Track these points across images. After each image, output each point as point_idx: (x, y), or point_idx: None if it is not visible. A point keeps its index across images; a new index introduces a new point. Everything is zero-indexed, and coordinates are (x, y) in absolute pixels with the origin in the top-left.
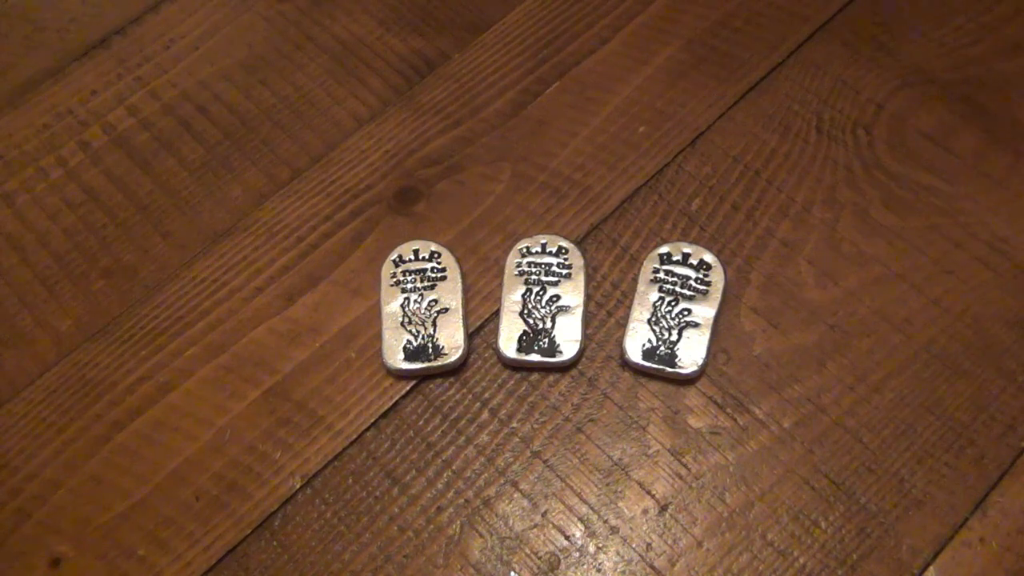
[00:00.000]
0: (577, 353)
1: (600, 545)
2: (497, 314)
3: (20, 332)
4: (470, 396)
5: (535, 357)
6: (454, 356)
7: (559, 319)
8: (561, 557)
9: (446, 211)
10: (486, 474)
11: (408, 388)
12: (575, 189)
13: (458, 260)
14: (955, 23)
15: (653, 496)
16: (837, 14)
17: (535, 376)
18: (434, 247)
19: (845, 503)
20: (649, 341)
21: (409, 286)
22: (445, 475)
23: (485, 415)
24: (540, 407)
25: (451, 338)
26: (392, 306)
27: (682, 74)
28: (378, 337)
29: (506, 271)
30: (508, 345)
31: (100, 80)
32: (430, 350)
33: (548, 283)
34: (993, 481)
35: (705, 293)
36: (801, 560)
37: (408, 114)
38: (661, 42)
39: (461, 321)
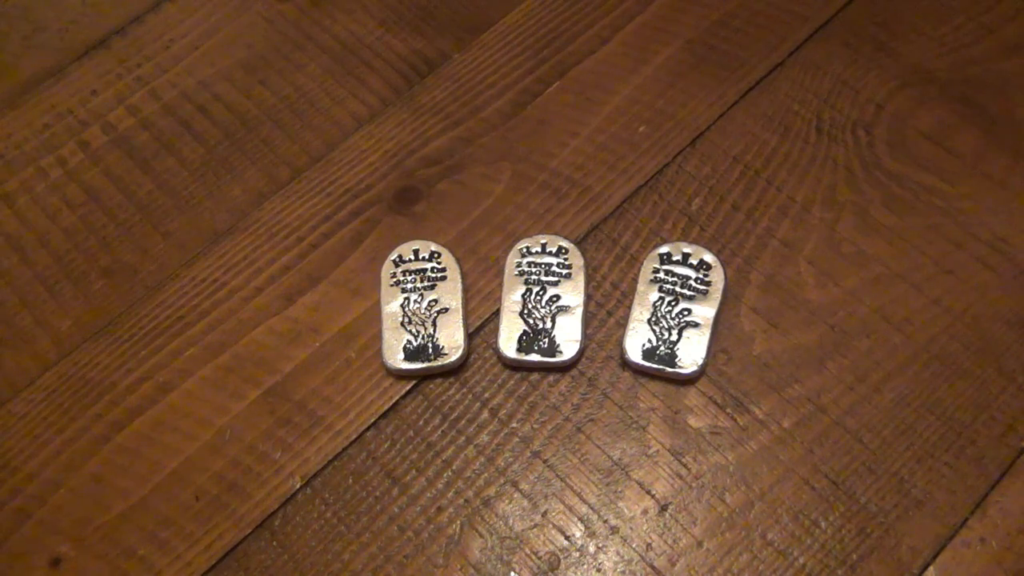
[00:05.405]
0: (577, 353)
1: (600, 545)
2: (497, 314)
3: (20, 332)
4: (470, 396)
5: (535, 357)
6: (454, 356)
7: (559, 319)
8: (561, 557)
9: (446, 211)
10: (486, 474)
11: (408, 388)
12: (575, 189)
13: (458, 260)
14: (955, 23)
15: (653, 496)
16: (837, 14)
17: (535, 376)
18: (434, 247)
19: (845, 503)
20: (649, 341)
21: (409, 286)
22: (445, 475)
23: (485, 415)
24: (540, 407)
25: (451, 338)
26: (392, 306)
27: (682, 74)
28: (378, 337)
29: (506, 271)
30: (508, 345)
31: (100, 80)
32: (430, 350)
33: (548, 283)
34: (993, 481)
35: (705, 293)
36: (801, 560)
37: (408, 114)
38: (661, 42)
39: (461, 321)
